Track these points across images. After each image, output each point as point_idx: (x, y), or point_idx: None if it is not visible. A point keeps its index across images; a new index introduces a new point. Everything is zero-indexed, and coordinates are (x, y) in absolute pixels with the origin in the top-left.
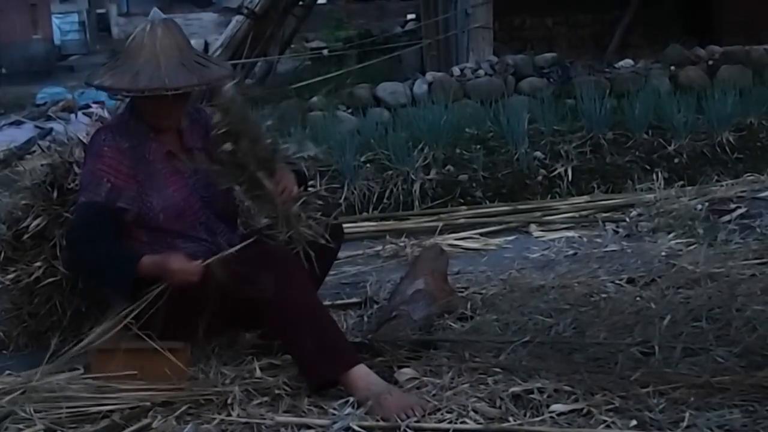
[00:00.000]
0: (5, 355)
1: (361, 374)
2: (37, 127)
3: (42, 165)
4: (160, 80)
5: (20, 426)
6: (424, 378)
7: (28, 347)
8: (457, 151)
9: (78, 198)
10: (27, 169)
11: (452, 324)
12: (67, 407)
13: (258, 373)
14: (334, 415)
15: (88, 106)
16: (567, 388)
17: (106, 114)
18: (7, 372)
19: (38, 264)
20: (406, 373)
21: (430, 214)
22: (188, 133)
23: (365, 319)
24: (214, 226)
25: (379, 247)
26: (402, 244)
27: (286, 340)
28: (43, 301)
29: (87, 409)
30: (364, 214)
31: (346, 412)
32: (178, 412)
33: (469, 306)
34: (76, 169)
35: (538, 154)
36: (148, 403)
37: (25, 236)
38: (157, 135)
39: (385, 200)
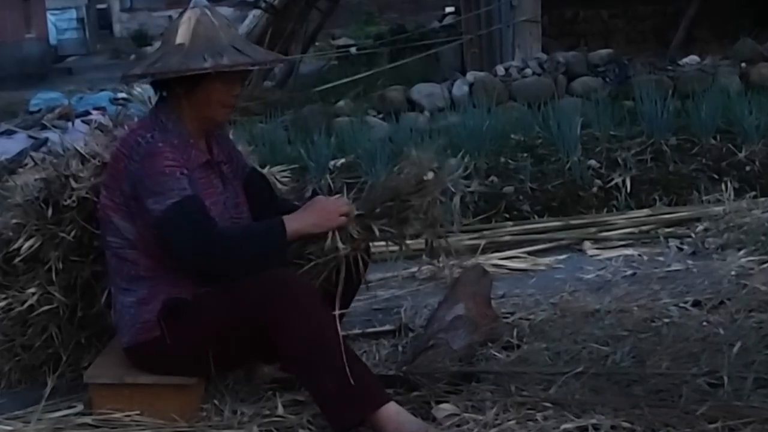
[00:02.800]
0: None
1: (391, 413)
2: (30, 137)
3: (35, 179)
4: (245, 57)
5: None
6: (465, 414)
7: (21, 383)
8: (502, 160)
9: (157, 206)
10: (18, 185)
11: (496, 354)
12: None
13: (279, 410)
14: None
15: (87, 113)
16: (626, 424)
17: (107, 121)
18: None
19: (32, 290)
20: (445, 408)
21: (471, 231)
22: (216, 146)
23: (399, 348)
24: None
25: (415, 269)
26: (440, 264)
27: (305, 380)
28: (37, 332)
29: None
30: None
31: None
32: None
33: (515, 333)
34: (74, 184)
35: (592, 162)
36: None
37: (17, 259)
38: (197, 141)
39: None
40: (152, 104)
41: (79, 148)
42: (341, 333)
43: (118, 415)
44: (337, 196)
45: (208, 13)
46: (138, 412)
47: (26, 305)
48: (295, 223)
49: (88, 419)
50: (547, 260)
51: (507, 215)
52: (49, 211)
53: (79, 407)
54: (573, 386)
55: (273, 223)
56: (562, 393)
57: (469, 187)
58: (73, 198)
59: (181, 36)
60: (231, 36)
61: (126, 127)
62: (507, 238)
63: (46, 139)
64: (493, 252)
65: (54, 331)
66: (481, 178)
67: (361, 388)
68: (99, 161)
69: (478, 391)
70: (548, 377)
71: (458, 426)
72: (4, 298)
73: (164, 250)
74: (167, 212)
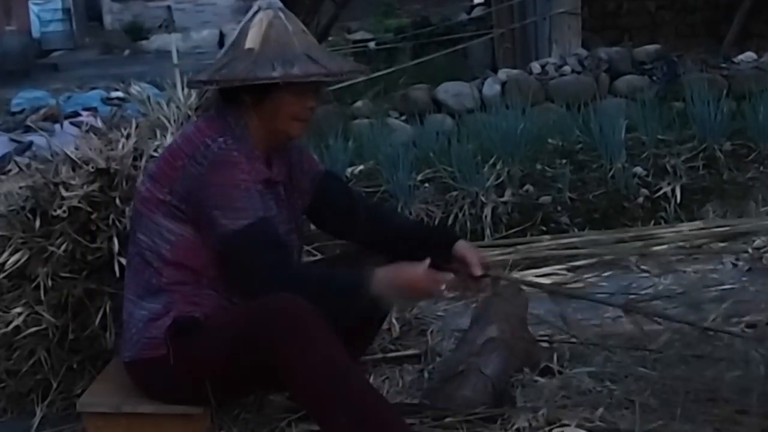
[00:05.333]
0: None
1: None
2: (12, 140)
3: (20, 188)
4: (318, 67)
5: None
6: None
7: (7, 413)
8: (538, 167)
9: (226, 223)
10: (2, 193)
11: (534, 380)
12: None
13: None
14: None
15: (76, 114)
16: None
17: (98, 123)
18: None
19: (18, 310)
20: None
21: (504, 245)
22: (277, 164)
23: (426, 374)
24: None
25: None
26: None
27: (314, 414)
28: (24, 356)
29: None
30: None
31: None
32: None
33: (555, 358)
34: (64, 192)
35: (638, 170)
36: None
37: (1, 276)
38: (261, 155)
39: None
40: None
41: (69, 153)
42: (353, 363)
43: None
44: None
45: (282, 16)
46: None
47: (11, 326)
48: (382, 286)
49: None
50: (588, 277)
51: (544, 228)
52: (37, 223)
53: None
54: (619, 415)
55: (359, 278)
56: (608, 423)
57: (501, 196)
58: (64, 208)
59: (251, 40)
60: (306, 43)
61: (192, 126)
62: (544, 253)
63: (30, 143)
64: (528, 268)
65: (43, 356)
66: (515, 187)
67: (378, 423)
68: (93, 167)
69: (514, 421)
70: (592, 406)
71: None
72: None
73: (224, 268)
74: (241, 234)
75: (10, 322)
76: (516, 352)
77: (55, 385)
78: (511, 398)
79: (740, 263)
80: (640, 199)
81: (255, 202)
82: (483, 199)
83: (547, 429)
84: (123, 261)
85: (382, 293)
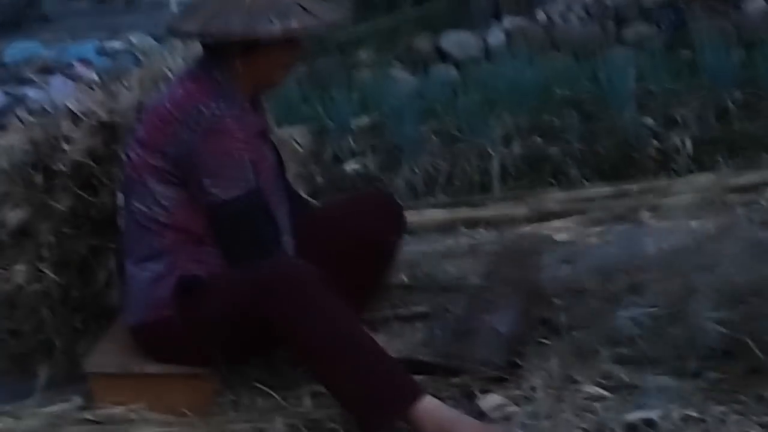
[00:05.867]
0: None
1: (428, 409)
2: (6, 93)
3: (21, 142)
4: (313, 18)
5: None
6: (515, 405)
7: (9, 374)
8: (546, 118)
9: (217, 192)
10: (2, 148)
11: (547, 339)
12: None
13: (306, 404)
14: None
15: (70, 66)
16: (696, 414)
17: (93, 75)
18: None
19: (20, 267)
20: (492, 399)
21: (513, 199)
22: (260, 111)
23: (437, 332)
24: (283, 226)
25: (451, 242)
26: (480, 238)
27: (322, 381)
28: (26, 315)
29: None
30: (430, 199)
31: None
32: None
33: (567, 317)
34: (65, 147)
35: (648, 121)
36: None
37: (3, 233)
38: (249, 106)
39: (455, 182)
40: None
41: (70, 106)
42: (358, 324)
43: (121, 409)
44: None
45: None
46: (144, 405)
47: (13, 284)
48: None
49: (88, 414)
50: (600, 232)
51: (552, 180)
52: (39, 178)
53: (77, 401)
54: (635, 375)
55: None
56: (623, 382)
57: (509, 148)
58: (66, 162)
59: None
60: None
61: (180, 88)
62: (554, 206)
63: (26, 96)
64: (538, 221)
65: (46, 314)
66: (522, 138)
67: (390, 385)
68: (95, 121)
69: (528, 379)
70: (605, 364)
71: (507, 419)
72: None
73: (209, 236)
74: (231, 205)
75: (12, 280)
76: (529, 309)
77: (58, 345)
78: (524, 357)
79: (755, 217)
80: (651, 151)
81: (247, 173)
82: (490, 151)
83: (562, 389)
84: None
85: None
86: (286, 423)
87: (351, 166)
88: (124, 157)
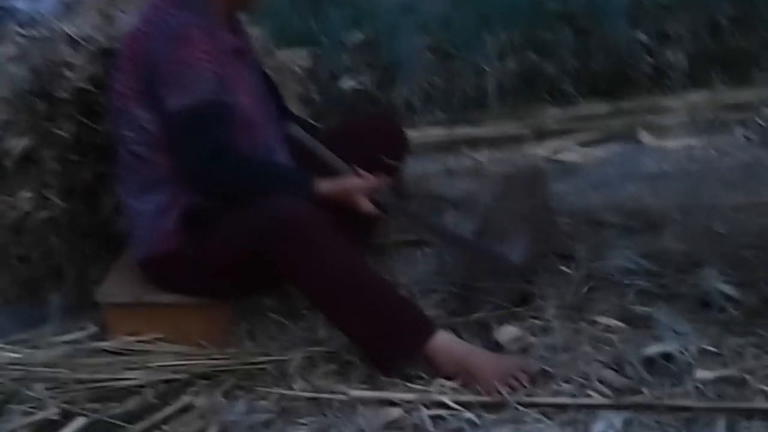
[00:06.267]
0: None
1: (442, 344)
2: None
3: (21, 68)
4: None
5: (29, 408)
6: (532, 337)
7: (20, 300)
8: (539, 33)
9: (173, 101)
10: (4, 74)
11: (562, 267)
12: (84, 381)
13: (321, 334)
14: (422, 388)
15: None
16: (713, 348)
17: None
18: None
19: (25, 194)
20: (509, 331)
21: (510, 116)
22: (239, 33)
23: (448, 260)
24: (273, 151)
25: (452, 161)
26: (482, 158)
27: (334, 322)
28: (34, 241)
29: (109, 384)
30: (428, 116)
31: (436, 384)
32: (225, 385)
33: (581, 247)
34: (67, 73)
35: (641, 36)
36: (186, 376)
37: (9, 160)
38: (225, 23)
39: (452, 99)
40: None
41: (69, 32)
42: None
43: (137, 338)
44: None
45: None
46: (159, 335)
47: (20, 211)
48: (324, 189)
49: (103, 344)
50: (599, 152)
51: (548, 97)
52: (42, 106)
53: (91, 329)
54: (651, 308)
55: (303, 177)
56: (639, 315)
57: (503, 65)
58: (68, 90)
59: None
60: None
61: (150, 6)
62: (552, 125)
63: (14, 9)
64: (537, 140)
65: (54, 241)
66: (516, 54)
67: (402, 322)
68: (96, 48)
69: (544, 311)
70: (623, 295)
71: (524, 350)
72: None
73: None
74: (182, 114)
75: (18, 207)
76: (540, 236)
77: (68, 272)
78: (538, 287)
79: (752, 136)
80: (644, 67)
81: (208, 83)
82: (485, 68)
83: (577, 318)
84: None
85: (325, 196)
86: (303, 355)
87: (347, 83)
88: (110, 89)
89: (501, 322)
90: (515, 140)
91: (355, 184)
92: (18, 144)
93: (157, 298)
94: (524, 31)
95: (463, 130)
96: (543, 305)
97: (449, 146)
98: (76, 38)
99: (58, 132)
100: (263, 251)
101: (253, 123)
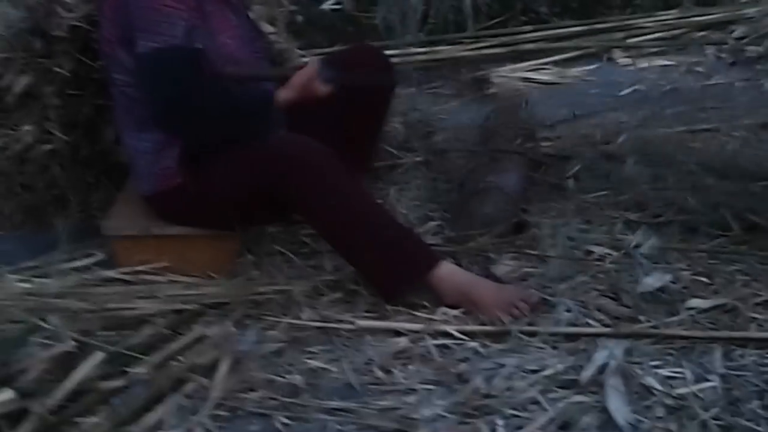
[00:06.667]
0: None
1: (446, 274)
2: None
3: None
4: None
5: (46, 341)
6: (529, 269)
7: (24, 225)
8: None
9: (142, 45)
10: None
11: (554, 199)
12: (96, 311)
13: (326, 264)
14: (426, 318)
15: None
16: (704, 279)
17: None
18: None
19: (27, 128)
20: (506, 264)
21: (487, 37)
22: None
23: (440, 186)
24: (261, 92)
25: (437, 84)
26: (463, 79)
27: (340, 252)
28: (37, 171)
29: (120, 314)
30: (408, 37)
31: (439, 314)
32: (235, 315)
33: (572, 176)
34: (62, 12)
35: None
36: (196, 305)
37: (10, 97)
38: None
39: (430, 21)
40: None
41: None
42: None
43: (145, 267)
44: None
45: None
46: (167, 264)
47: (23, 144)
48: (282, 95)
49: (111, 272)
50: (575, 71)
51: (524, 18)
52: (39, 44)
53: (98, 256)
54: (643, 237)
55: (262, 92)
56: (633, 244)
57: None
58: (64, 28)
59: None
60: None
61: None
62: (529, 46)
63: None
64: (515, 62)
65: (56, 171)
66: None
67: (407, 253)
68: None
69: (539, 241)
70: (613, 225)
71: (523, 280)
72: None
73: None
74: (149, 56)
75: (21, 140)
76: (528, 163)
77: (72, 199)
78: (532, 217)
79: (723, 56)
80: None
81: (174, 28)
82: None
83: (572, 248)
84: None
85: (285, 100)
86: (309, 284)
87: (328, 4)
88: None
89: (498, 251)
90: (493, 60)
91: (302, 76)
92: (19, 81)
93: (164, 230)
94: None
95: (441, 52)
96: (538, 234)
97: (429, 67)
98: None
99: (57, 69)
100: (272, 185)
101: (239, 62)
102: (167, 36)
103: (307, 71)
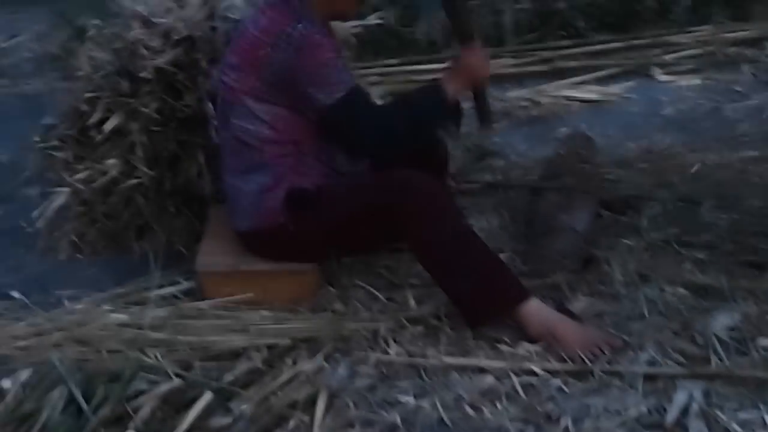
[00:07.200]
0: (82, 261)
1: (534, 309)
2: None
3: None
4: None
5: (151, 375)
6: (602, 306)
7: (106, 250)
8: None
9: (324, 98)
10: (86, 55)
11: (619, 231)
12: (192, 344)
13: (411, 302)
14: (508, 354)
15: None
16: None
17: None
18: (97, 297)
19: (113, 161)
20: (580, 300)
21: (526, 52)
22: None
23: (512, 215)
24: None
25: None
26: (511, 98)
27: (438, 277)
28: (121, 201)
29: (214, 346)
30: (449, 51)
31: (522, 351)
32: (325, 350)
33: (640, 216)
34: (144, 52)
35: None
36: (287, 340)
37: (101, 136)
38: (327, 29)
39: None
40: None
41: (141, 12)
42: (475, 232)
43: (230, 299)
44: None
45: None
46: (251, 296)
47: (108, 177)
48: (451, 86)
49: (202, 305)
50: (617, 89)
51: (563, 33)
52: (125, 84)
53: (183, 284)
54: (713, 276)
55: (435, 91)
56: (702, 283)
57: (518, 2)
58: (150, 70)
59: None
60: None
61: (263, 16)
62: (570, 63)
63: None
64: (554, 77)
65: (140, 202)
66: None
67: (501, 284)
68: (177, 36)
69: (611, 278)
70: (682, 262)
71: (598, 316)
72: (84, 170)
73: (323, 138)
74: (339, 106)
75: (106, 173)
76: (595, 198)
77: (155, 228)
78: (603, 254)
79: (757, 74)
80: (650, 2)
81: (344, 74)
82: (501, 6)
83: (645, 288)
84: (216, 124)
85: (456, 91)
86: (391, 318)
87: (371, 19)
88: (217, 82)
89: (571, 287)
90: (536, 76)
91: (470, 63)
92: (110, 121)
93: (251, 267)
94: None
95: None
96: (609, 271)
97: None
98: (148, 17)
99: (143, 109)
100: (387, 212)
101: None
102: (343, 83)
103: (474, 57)
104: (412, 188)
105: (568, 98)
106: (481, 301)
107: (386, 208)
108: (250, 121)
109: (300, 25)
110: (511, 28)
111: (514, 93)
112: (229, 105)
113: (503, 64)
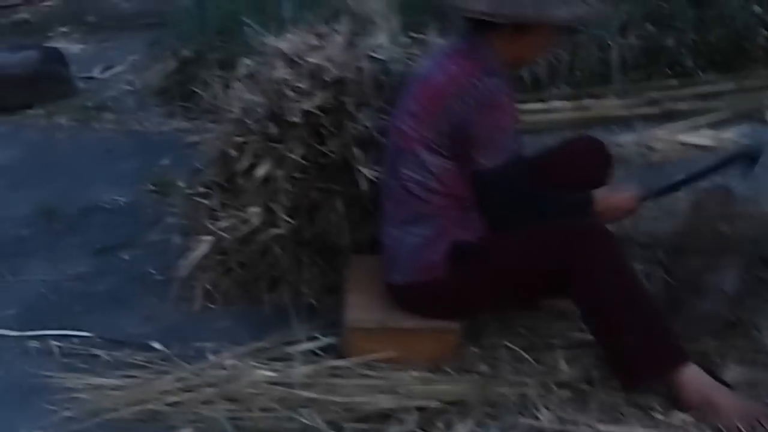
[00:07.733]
0: (215, 311)
1: (693, 375)
2: None
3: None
4: (588, 6)
5: None
6: (756, 375)
7: (238, 300)
8: (657, 5)
9: (483, 162)
10: (235, 96)
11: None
12: (342, 405)
13: (561, 365)
14: (662, 423)
15: None
16: None
17: None
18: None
19: (255, 210)
20: (734, 369)
21: (635, 93)
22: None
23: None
24: None
25: None
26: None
27: (602, 332)
28: (258, 251)
29: (364, 407)
30: (553, 90)
31: (677, 420)
32: (476, 415)
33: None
34: (289, 93)
35: (756, 9)
36: (437, 402)
37: (248, 181)
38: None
39: (576, 72)
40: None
41: (284, 49)
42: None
43: (372, 357)
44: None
45: None
46: (393, 354)
47: (249, 227)
48: (600, 206)
49: (344, 362)
50: (730, 134)
51: (669, 71)
52: (274, 128)
53: (322, 340)
54: None
55: (586, 201)
56: None
57: (624, 38)
58: (297, 113)
59: None
60: None
61: (452, 63)
62: (681, 105)
63: None
64: (661, 119)
65: (278, 253)
66: (637, 27)
67: (662, 344)
68: (327, 77)
69: (763, 343)
70: None
71: (751, 385)
72: (228, 217)
73: (474, 202)
74: (493, 174)
75: (248, 221)
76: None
77: (289, 280)
78: (752, 316)
79: None
80: (761, 40)
81: (511, 142)
82: (609, 42)
83: None
84: (365, 171)
85: (600, 212)
86: (538, 381)
87: None
88: (388, 128)
89: (719, 352)
90: (644, 119)
91: (622, 201)
92: (261, 167)
93: (399, 324)
94: (642, 3)
95: (593, 110)
96: (759, 337)
97: (576, 123)
98: (292, 56)
99: (290, 155)
100: (559, 264)
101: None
102: (506, 152)
103: (628, 198)
104: (589, 243)
105: (682, 144)
106: (642, 361)
107: (560, 262)
108: (418, 171)
109: (488, 80)
110: (617, 65)
111: (626, 137)
112: (399, 152)
113: (611, 105)
